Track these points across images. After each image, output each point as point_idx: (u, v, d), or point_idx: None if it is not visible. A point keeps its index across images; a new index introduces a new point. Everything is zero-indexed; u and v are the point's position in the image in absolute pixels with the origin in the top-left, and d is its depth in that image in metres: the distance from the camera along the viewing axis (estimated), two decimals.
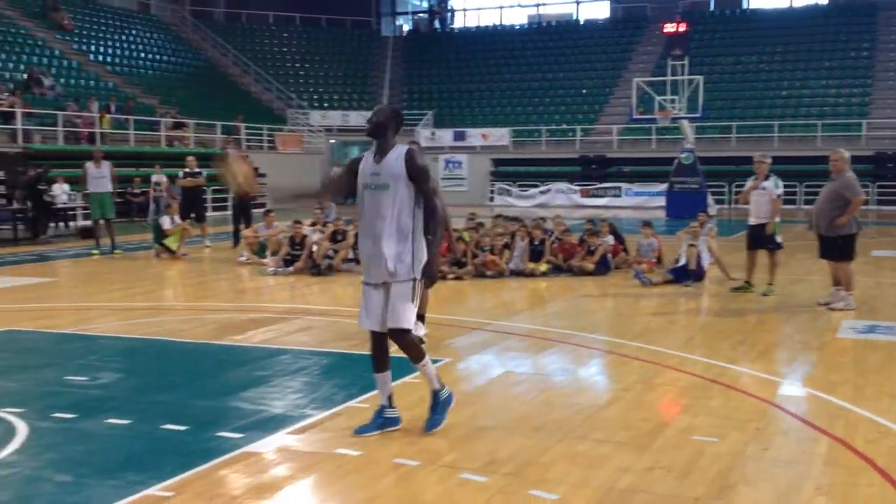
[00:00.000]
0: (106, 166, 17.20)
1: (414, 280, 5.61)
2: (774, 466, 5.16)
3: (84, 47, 34.62)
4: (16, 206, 20.62)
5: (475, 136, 37.84)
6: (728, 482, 4.87)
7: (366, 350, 7.60)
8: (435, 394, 5.87)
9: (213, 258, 16.77)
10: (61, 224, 22.42)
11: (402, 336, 5.66)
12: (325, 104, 41.30)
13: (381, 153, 5.64)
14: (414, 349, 5.76)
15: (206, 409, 6.34)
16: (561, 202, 33.21)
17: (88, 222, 19.38)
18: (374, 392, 6.67)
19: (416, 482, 4.92)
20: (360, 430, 5.76)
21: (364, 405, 6.38)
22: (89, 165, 17.09)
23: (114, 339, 9.05)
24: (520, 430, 5.85)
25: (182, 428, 5.85)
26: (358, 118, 40.26)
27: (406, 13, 51.62)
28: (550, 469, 5.08)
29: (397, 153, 5.60)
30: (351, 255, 14.54)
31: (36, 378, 7.38)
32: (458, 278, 13.35)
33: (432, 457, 5.29)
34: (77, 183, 19.75)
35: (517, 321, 10.04)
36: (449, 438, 5.65)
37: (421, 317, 8.33)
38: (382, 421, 5.81)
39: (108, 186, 17.10)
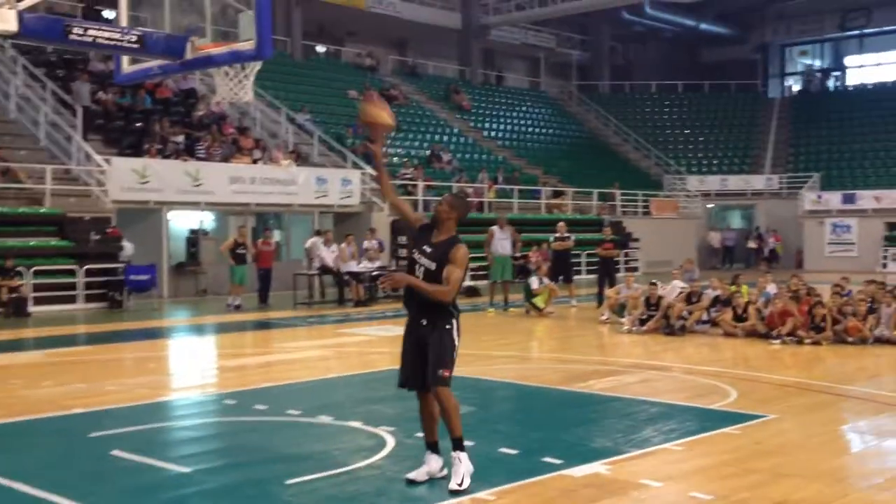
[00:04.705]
0: (508, 230, 19.07)
1: None
2: None
3: (480, 125, 38.25)
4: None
5: (867, 198, 35.61)
6: None
7: (694, 402, 8.14)
8: None
9: (577, 316, 17.93)
10: None
11: None
12: (704, 169, 41.36)
13: None
14: None
15: (536, 439, 7.32)
16: None
17: (471, 283, 21.46)
18: (692, 437, 7.26)
19: None
20: None
21: (678, 447, 6.95)
22: (495, 229, 19.02)
23: (474, 380, 10.41)
24: (822, 478, 6.09)
25: (514, 451, 6.88)
26: (738, 182, 39.84)
27: (796, 73, 50.07)
28: None
29: None
30: (705, 317, 14.89)
31: (407, 406, 8.84)
32: (815, 343, 13.15)
33: (726, 493, 5.76)
34: (472, 246, 21.91)
35: (864, 386, 9.84)
36: (746, 481, 6.06)
37: None
38: None
39: (508, 249, 18.93)
